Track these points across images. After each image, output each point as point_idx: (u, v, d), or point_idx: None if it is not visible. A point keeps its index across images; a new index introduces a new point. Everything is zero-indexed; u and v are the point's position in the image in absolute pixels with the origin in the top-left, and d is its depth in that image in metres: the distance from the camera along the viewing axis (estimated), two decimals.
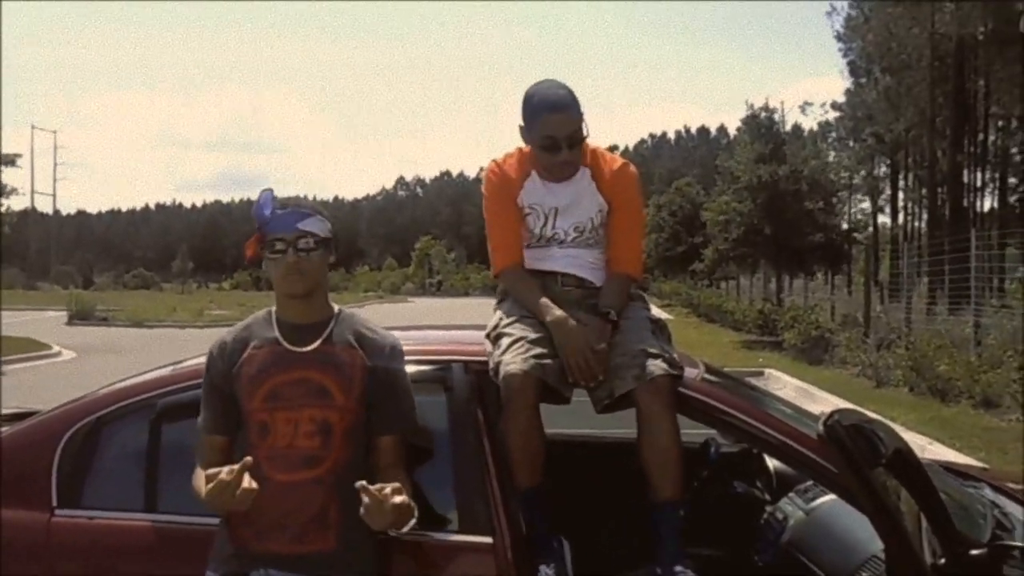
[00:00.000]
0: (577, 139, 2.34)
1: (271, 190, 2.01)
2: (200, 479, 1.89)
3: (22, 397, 7.19)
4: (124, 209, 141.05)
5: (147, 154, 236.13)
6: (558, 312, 2.29)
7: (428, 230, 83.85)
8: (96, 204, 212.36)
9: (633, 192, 2.49)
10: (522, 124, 2.41)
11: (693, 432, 2.53)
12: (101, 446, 2.27)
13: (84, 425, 2.28)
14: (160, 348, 17.28)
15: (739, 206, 21.30)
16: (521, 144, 2.48)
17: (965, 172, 31.23)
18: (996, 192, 34.96)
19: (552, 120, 2.32)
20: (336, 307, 2.07)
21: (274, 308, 2.05)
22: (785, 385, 11.79)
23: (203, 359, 2.09)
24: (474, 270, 65.36)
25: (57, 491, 2.21)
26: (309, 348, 1.97)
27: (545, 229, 2.45)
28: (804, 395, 10.60)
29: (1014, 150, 33.33)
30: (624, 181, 2.46)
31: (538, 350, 2.20)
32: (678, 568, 2.10)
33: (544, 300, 2.33)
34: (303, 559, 1.91)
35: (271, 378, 1.95)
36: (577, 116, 2.34)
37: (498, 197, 2.46)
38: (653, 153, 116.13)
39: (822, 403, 9.36)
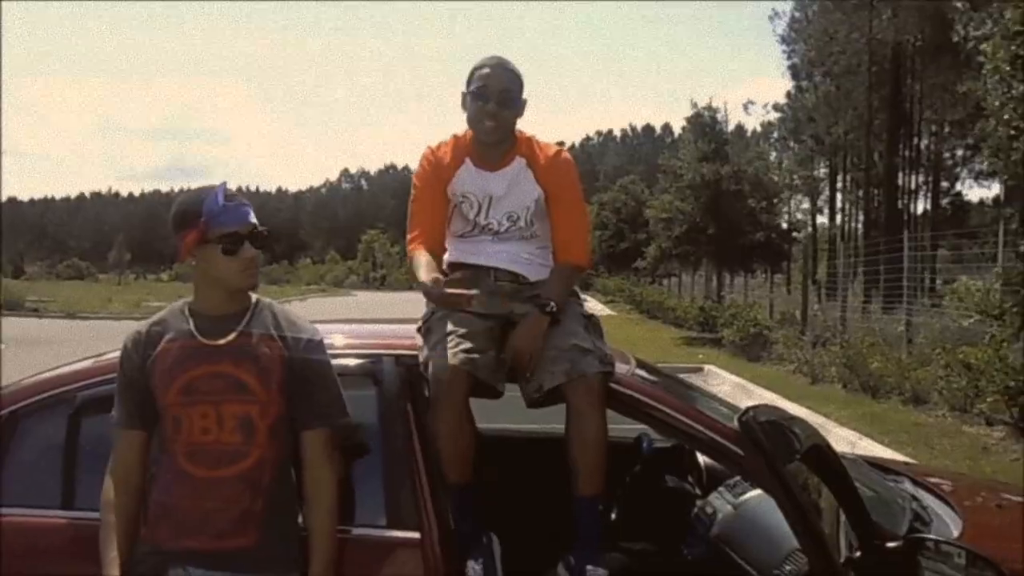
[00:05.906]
0: (507, 99, 2.35)
1: (226, 183, 1.94)
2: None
3: None
4: (59, 197, 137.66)
5: (85, 142, 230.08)
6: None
7: (372, 223, 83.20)
8: (28, 192, 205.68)
9: (571, 178, 2.47)
10: (464, 91, 2.41)
11: (626, 427, 2.56)
12: (16, 441, 2.18)
13: None
14: (95, 340, 16.77)
15: (682, 204, 21.52)
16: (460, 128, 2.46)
17: (900, 175, 32.06)
18: (929, 195, 35.95)
19: (485, 72, 2.36)
20: (254, 297, 2.01)
21: (190, 299, 1.99)
22: (724, 381, 11.96)
23: None
24: None
25: None
26: (224, 341, 1.92)
27: (479, 217, 2.43)
28: (742, 391, 10.76)
29: (946, 155, 34.34)
30: (560, 168, 2.45)
31: (469, 344, 2.18)
32: (589, 568, 2.10)
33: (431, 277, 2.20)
34: (224, 556, 1.86)
35: (186, 372, 1.89)
36: (513, 81, 2.38)
37: (427, 180, 2.45)
38: (599, 151, 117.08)
39: (759, 399, 9.51)
